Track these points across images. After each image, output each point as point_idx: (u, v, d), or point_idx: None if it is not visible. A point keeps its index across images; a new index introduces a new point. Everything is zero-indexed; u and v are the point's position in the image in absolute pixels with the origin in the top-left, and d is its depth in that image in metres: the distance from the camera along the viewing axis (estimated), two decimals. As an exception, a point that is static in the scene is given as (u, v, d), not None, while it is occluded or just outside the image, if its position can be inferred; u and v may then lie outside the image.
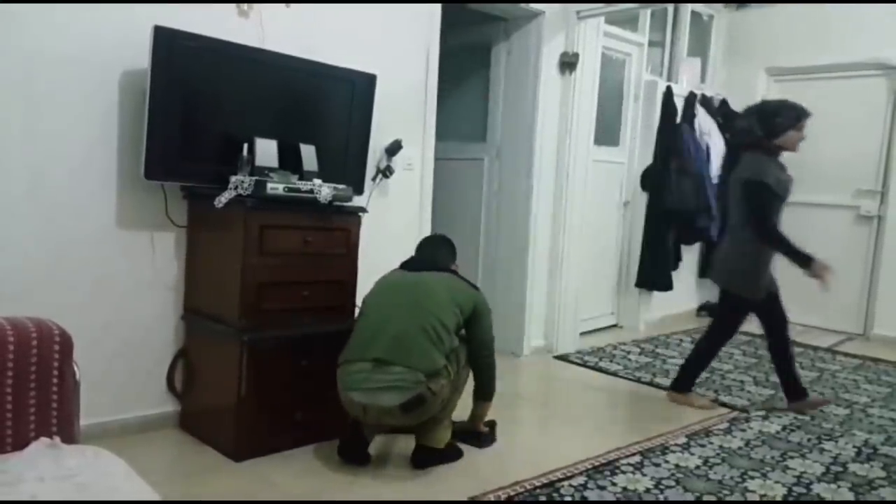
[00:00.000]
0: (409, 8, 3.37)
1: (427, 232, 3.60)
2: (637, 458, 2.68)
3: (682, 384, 3.44)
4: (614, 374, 3.94)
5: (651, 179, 5.00)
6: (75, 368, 1.62)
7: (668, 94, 5.03)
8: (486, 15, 4.13)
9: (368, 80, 2.98)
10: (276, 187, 2.46)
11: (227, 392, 2.48)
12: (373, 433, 2.55)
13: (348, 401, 2.40)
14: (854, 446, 2.94)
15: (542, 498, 2.31)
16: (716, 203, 5.24)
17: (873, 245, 5.21)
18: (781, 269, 5.85)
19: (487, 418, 2.77)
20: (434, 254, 2.74)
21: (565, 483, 2.42)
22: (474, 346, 2.59)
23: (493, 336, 2.64)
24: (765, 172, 3.16)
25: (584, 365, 4.08)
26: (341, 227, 2.71)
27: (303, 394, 2.61)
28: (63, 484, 1.35)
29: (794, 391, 3.37)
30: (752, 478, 2.56)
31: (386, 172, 3.31)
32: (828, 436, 3.05)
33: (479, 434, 2.75)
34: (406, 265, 2.66)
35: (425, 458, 2.51)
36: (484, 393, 2.67)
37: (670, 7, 5.36)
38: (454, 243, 2.84)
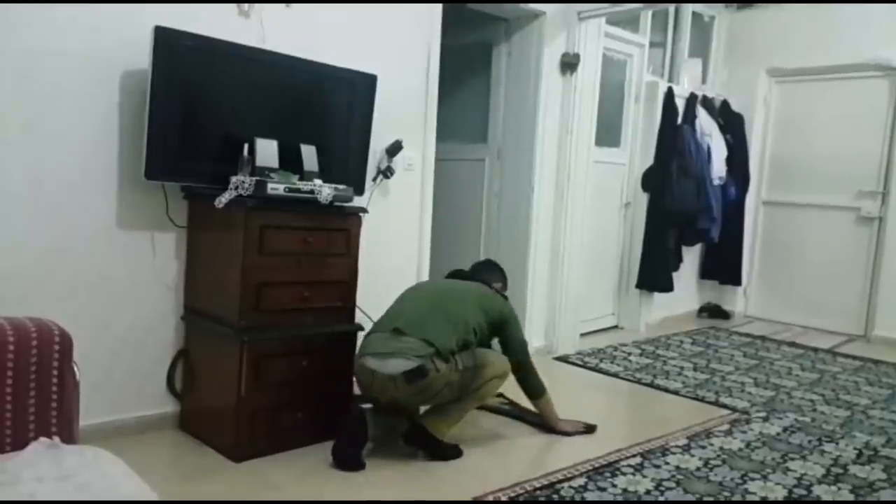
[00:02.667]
0: (410, 8, 3.37)
1: (428, 233, 3.60)
2: (637, 460, 2.67)
3: None
4: (615, 375, 3.93)
5: (652, 180, 5.00)
6: (75, 369, 1.62)
7: (669, 94, 5.03)
8: (487, 15, 4.13)
9: (369, 81, 2.98)
10: (276, 187, 2.45)
11: (227, 392, 2.48)
12: (379, 430, 2.55)
13: (361, 367, 2.51)
14: (855, 448, 2.93)
15: (542, 499, 2.30)
16: (716, 204, 5.25)
17: (874, 246, 5.21)
18: (780, 267, 5.87)
19: (589, 421, 3.01)
20: (475, 270, 3.06)
21: (565, 484, 2.42)
22: (510, 349, 2.78)
23: (525, 339, 2.87)
24: None
25: (585, 366, 4.08)
26: (342, 227, 2.70)
27: (303, 394, 2.61)
28: (62, 484, 1.35)
29: None
30: (753, 479, 2.55)
31: (386, 173, 3.31)
32: (828, 437, 3.05)
33: (566, 433, 2.92)
34: (448, 275, 3.01)
35: (416, 437, 2.57)
36: (532, 391, 2.86)
37: (671, 8, 5.36)
38: (503, 269, 3.14)
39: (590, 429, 2.96)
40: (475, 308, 2.67)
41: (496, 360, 2.67)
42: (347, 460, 2.45)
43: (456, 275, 2.99)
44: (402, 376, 2.41)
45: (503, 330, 2.76)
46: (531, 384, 2.83)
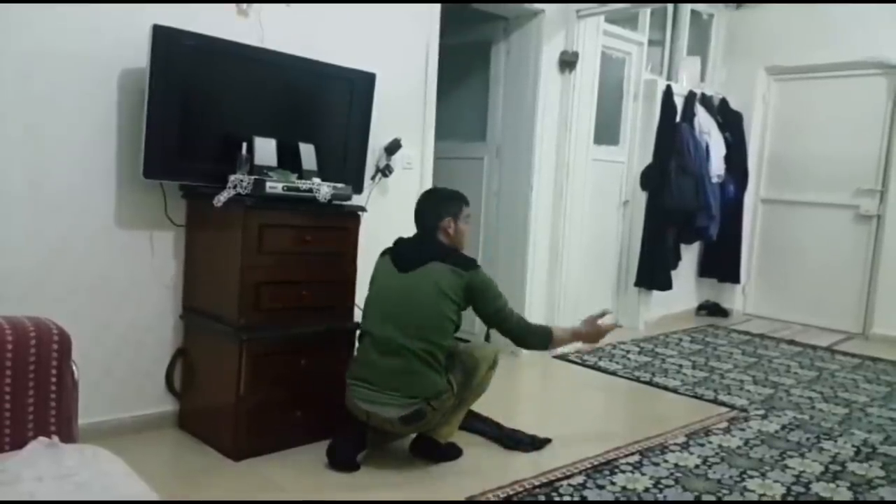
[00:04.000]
0: (409, 7, 3.36)
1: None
2: (636, 458, 2.68)
3: None
4: (613, 373, 3.94)
5: (651, 178, 5.00)
6: (74, 368, 1.62)
7: (668, 92, 5.03)
8: (486, 14, 4.13)
9: (368, 79, 2.98)
10: (275, 186, 2.45)
11: (226, 391, 2.48)
12: (375, 439, 2.55)
13: (355, 407, 2.47)
14: (853, 445, 2.94)
15: (542, 497, 2.31)
16: (715, 202, 5.25)
17: (873, 244, 5.21)
18: (779, 265, 5.87)
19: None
20: (420, 225, 2.59)
21: (564, 482, 2.42)
22: (487, 320, 2.54)
23: (503, 303, 2.52)
24: None
25: (583, 364, 4.08)
26: (340, 226, 2.70)
27: (302, 393, 2.61)
28: (62, 483, 1.35)
29: None
30: (752, 477, 2.56)
31: (385, 171, 3.31)
32: (827, 435, 3.05)
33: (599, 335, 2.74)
34: (397, 258, 2.54)
35: (425, 448, 2.56)
36: (538, 346, 2.62)
37: (670, 6, 5.36)
38: (453, 193, 2.66)
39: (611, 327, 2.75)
40: (441, 310, 2.40)
41: (482, 355, 2.54)
42: (342, 461, 2.45)
43: (403, 254, 2.53)
44: (398, 420, 2.40)
45: (477, 303, 2.48)
46: (533, 342, 2.58)
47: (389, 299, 2.49)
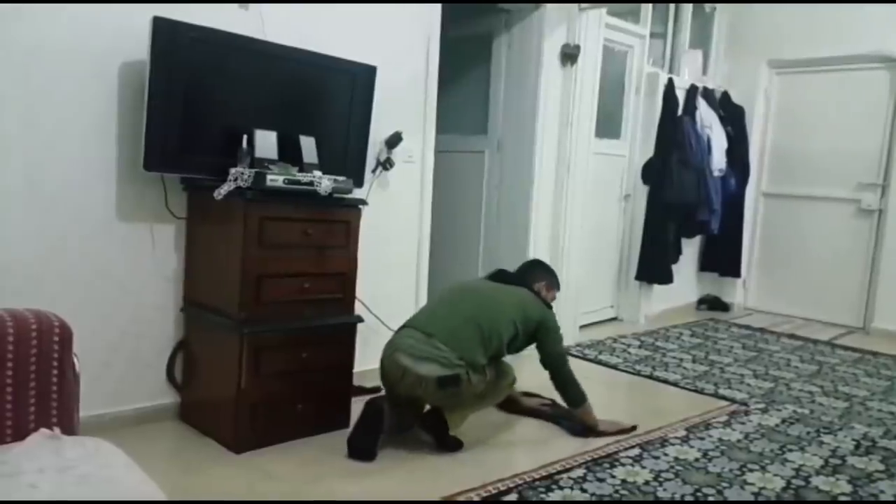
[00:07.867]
0: (410, -1, 3.35)
1: (427, 225, 3.59)
2: (636, 451, 2.68)
3: None
4: (614, 367, 3.94)
5: (652, 172, 4.99)
6: (75, 360, 1.63)
7: (670, 86, 5.01)
8: (488, 6, 4.11)
9: (369, 72, 2.96)
10: (275, 179, 2.45)
11: (227, 384, 2.49)
12: (392, 419, 2.56)
13: (392, 362, 2.53)
14: (853, 439, 2.94)
15: (542, 489, 2.31)
16: (716, 196, 5.24)
17: (874, 239, 5.21)
18: (780, 259, 5.85)
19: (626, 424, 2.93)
20: (522, 272, 3.02)
21: (564, 475, 2.43)
22: (545, 358, 2.78)
23: (564, 350, 2.85)
24: None
25: (584, 358, 4.08)
26: (341, 219, 2.70)
27: (303, 386, 2.62)
28: (63, 475, 1.35)
29: None
30: (752, 470, 2.56)
31: (386, 165, 3.31)
32: (827, 429, 3.06)
33: (605, 433, 2.82)
34: (493, 275, 2.95)
35: (433, 424, 2.60)
36: (570, 401, 2.82)
37: (672, -2, 5.34)
38: (548, 268, 3.12)
39: (629, 429, 2.88)
40: (512, 317, 2.67)
41: (511, 370, 2.81)
42: (362, 451, 2.47)
43: (499, 275, 2.94)
44: (435, 381, 2.45)
45: (538, 340, 2.77)
46: (569, 394, 2.80)
47: (474, 285, 2.91)
